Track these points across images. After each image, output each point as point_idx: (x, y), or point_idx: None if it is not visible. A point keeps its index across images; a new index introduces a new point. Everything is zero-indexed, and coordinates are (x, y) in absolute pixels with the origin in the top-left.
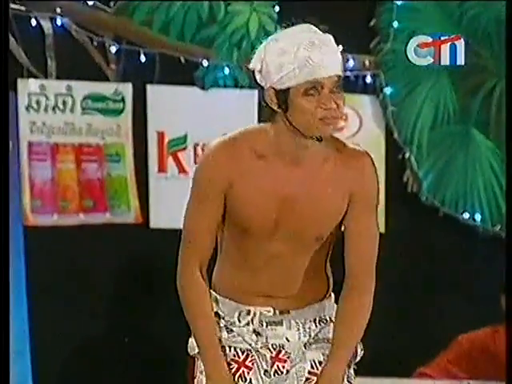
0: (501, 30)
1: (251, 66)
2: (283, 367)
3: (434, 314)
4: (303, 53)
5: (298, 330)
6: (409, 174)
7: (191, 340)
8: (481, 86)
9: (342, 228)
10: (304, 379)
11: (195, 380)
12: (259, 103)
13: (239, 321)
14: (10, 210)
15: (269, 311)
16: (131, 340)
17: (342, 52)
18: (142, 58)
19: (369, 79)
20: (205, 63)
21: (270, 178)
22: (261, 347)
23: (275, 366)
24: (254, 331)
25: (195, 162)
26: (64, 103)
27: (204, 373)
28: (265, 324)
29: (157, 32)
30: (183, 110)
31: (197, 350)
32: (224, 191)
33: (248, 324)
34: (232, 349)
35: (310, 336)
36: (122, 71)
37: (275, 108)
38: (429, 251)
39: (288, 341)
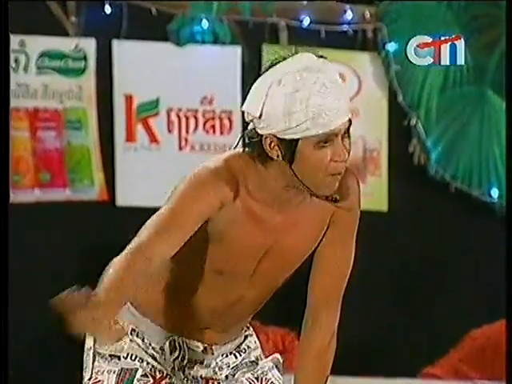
0: None
1: (246, 109)
2: (219, 383)
3: (444, 304)
4: (316, 100)
5: (215, 367)
6: (415, 143)
7: None
8: (498, 42)
9: (315, 255)
10: None
11: (89, 381)
12: (242, 62)
13: (170, 353)
14: None
15: (197, 347)
16: None
17: (339, 2)
18: (107, 10)
19: (369, 34)
20: (180, 15)
21: (255, 222)
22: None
23: None
24: (181, 367)
25: (169, 130)
26: (16, 61)
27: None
28: (186, 360)
29: None
30: (155, 70)
31: (107, 351)
32: (210, 215)
33: (175, 359)
34: (150, 365)
35: (228, 367)
36: (83, 24)
37: (275, 157)
38: (438, 232)
39: (201, 378)
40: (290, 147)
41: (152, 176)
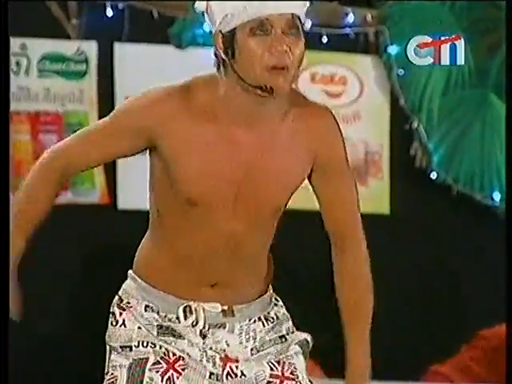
0: None
1: (197, 6)
2: (237, 367)
3: (449, 306)
4: None
5: (241, 333)
6: (417, 146)
7: (111, 328)
8: (500, 44)
9: (317, 195)
10: (266, 383)
11: (106, 376)
12: None
13: (184, 318)
14: None
15: (215, 308)
16: (98, 326)
17: (340, 5)
18: (109, 12)
19: (371, 37)
20: (181, 18)
21: (222, 143)
22: (209, 348)
23: (228, 368)
24: (201, 332)
25: None
26: (18, 64)
27: None
28: (207, 326)
29: None
30: (156, 73)
31: (117, 343)
32: (151, 138)
33: (193, 325)
34: (163, 348)
35: (255, 339)
36: (85, 27)
37: (223, 55)
38: (440, 236)
39: (228, 345)
40: (229, 40)
41: None
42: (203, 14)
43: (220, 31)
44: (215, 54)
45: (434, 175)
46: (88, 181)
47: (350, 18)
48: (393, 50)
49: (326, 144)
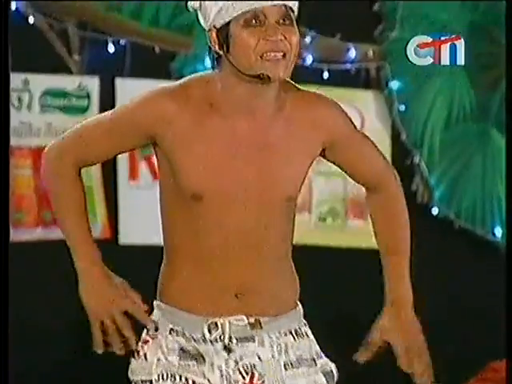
0: None
1: (190, 4)
2: None
3: (452, 340)
4: None
5: (272, 346)
6: (418, 181)
7: (133, 362)
8: (501, 80)
9: (337, 166)
10: None
11: None
12: None
13: (209, 333)
14: None
15: (241, 320)
16: (101, 359)
17: (341, 40)
18: (111, 48)
19: (372, 72)
20: (183, 53)
21: (223, 136)
22: (233, 371)
23: None
24: (225, 348)
25: None
26: (20, 100)
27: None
28: (234, 340)
29: (127, 17)
30: None
31: (139, 377)
32: (151, 136)
33: (217, 340)
34: (183, 378)
35: (287, 353)
36: (86, 63)
37: (218, 50)
38: (442, 271)
39: (260, 360)
40: (223, 34)
41: (155, 214)
42: (206, 48)
43: (214, 26)
44: (210, 50)
45: (435, 210)
46: (89, 216)
47: (352, 54)
48: (394, 85)
49: (328, 125)
